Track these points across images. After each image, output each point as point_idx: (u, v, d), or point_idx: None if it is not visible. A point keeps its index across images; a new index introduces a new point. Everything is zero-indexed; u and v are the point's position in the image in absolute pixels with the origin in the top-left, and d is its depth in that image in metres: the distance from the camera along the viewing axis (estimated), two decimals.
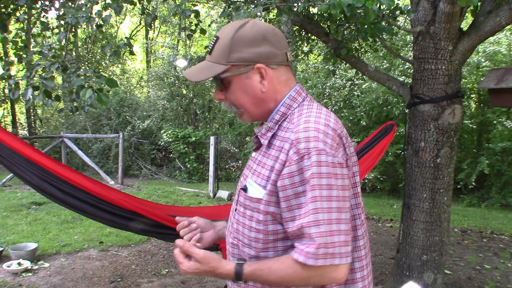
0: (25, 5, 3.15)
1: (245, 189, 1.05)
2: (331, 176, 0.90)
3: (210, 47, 1.05)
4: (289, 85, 1.08)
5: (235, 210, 1.10)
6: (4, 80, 2.87)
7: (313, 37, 4.17)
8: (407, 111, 3.09)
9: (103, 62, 13.55)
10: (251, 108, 1.07)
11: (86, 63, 12.67)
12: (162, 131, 11.01)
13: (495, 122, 7.66)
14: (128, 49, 3.13)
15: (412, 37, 3.28)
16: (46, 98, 2.57)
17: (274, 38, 1.02)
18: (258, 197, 0.99)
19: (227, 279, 1.03)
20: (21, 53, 3.14)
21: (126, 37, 3.26)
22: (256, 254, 1.02)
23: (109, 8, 2.91)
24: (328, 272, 0.91)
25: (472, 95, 8.41)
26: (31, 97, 2.50)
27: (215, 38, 1.05)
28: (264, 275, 0.96)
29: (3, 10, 3.31)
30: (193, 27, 3.67)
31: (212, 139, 7.63)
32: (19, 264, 3.77)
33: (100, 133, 11.28)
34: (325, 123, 0.96)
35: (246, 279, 0.98)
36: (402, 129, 6.46)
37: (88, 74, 2.61)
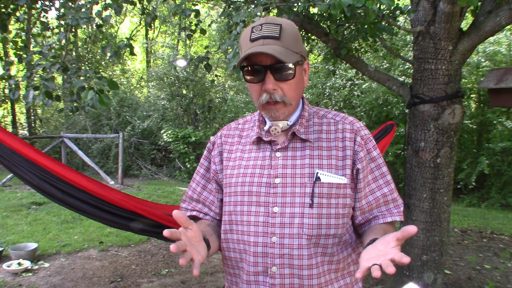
0: (25, 5, 3.15)
1: (320, 179, 1.05)
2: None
3: (277, 33, 0.99)
4: None
5: (310, 206, 1.03)
6: (4, 80, 2.87)
7: (313, 37, 4.17)
8: (407, 111, 3.09)
9: (103, 62, 13.55)
10: (295, 102, 1.08)
11: (86, 63, 12.67)
12: (162, 131, 11.01)
13: (495, 122, 7.65)
14: (129, 49, 3.13)
15: (412, 37, 3.28)
16: (47, 99, 2.57)
17: None
18: (344, 183, 1.05)
19: None
20: (21, 53, 3.14)
21: (126, 38, 3.26)
22: (339, 241, 1.07)
23: (109, 8, 2.91)
24: None
25: (472, 95, 8.41)
26: (33, 99, 2.50)
27: (277, 25, 1.00)
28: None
29: (3, 10, 3.31)
30: (193, 27, 3.67)
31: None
32: (19, 264, 3.77)
33: (100, 133, 11.29)
34: None
35: None
36: (402, 129, 6.45)
37: (88, 75, 2.61)
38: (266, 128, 1.11)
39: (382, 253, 0.85)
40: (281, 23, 1.01)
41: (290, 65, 1.00)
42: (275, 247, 1.03)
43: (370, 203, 1.10)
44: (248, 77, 1.04)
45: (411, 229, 0.81)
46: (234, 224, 1.11)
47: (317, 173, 1.04)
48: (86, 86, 2.43)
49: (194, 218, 1.22)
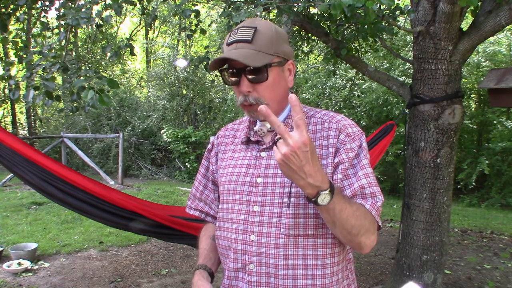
0: (25, 5, 3.15)
1: None
2: (367, 150, 1.11)
3: (250, 36, 1.02)
4: None
5: (287, 206, 1.03)
6: (4, 81, 2.87)
7: (313, 37, 4.17)
8: (407, 111, 3.09)
9: (103, 62, 13.56)
10: (275, 104, 1.09)
11: (86, 63, 12.68)
12: (162, 131, 11.01)
13: (495, 122, 7.65)
14: (129, 49, 3.12)
15: (412, 37, 3.28)
16: (47, 99, 2.57)
17: None
18: None
19: (311, 189, 0.87)
20: (21, 53, 3.13)
21: (126, 38, 3.26)
22: (323, 242, 1.04)
23: (109, 9, 2.91)
24: (375, 231, 1.03)
25: (472, 95, 8.41)
26: (33, 99, 2.50)
27: (251, 28, 1.03)
28: (348, 209, 0.93)
29: (3, 10, 3.31)
30: (193, 27, 3.67)
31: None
32: (19, 264, 3.77)
33: (100, 133, 11.28)
34: None
35: (333, 202, 0.89)
36: (402, 129, 6.46)
37: (89, 75, 2.61)
38: (255, 128, 1.14)
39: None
40: (257, 26, 1.04)
41: (261, 68, 1.02)
42: (253, 245, 1.05)
43: (351, 191, 1.07)
44: (226, 81, 1.09)
45: (293, 99, 0.80)
46: (221, 221, 1.15)
47: None
48: (86, 85, 2.43)
49: (200, 221, 1.31)
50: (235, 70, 1.04)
